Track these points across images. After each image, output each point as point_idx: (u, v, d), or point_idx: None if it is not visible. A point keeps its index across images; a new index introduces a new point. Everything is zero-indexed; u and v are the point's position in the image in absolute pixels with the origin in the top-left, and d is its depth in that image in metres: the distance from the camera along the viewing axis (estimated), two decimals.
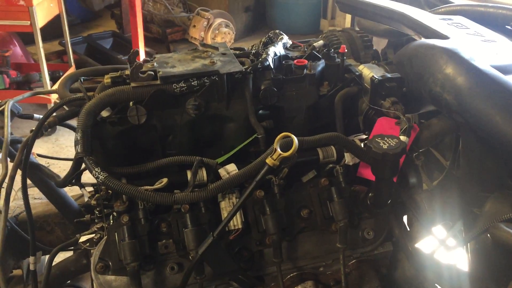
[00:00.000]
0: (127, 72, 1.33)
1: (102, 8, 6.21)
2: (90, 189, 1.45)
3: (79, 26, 6.91)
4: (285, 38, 1.61)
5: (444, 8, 1.91)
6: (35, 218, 2.25)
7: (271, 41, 1.67)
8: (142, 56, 5.00)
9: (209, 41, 5.60)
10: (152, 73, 1.30)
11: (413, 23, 1.63)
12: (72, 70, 4.79)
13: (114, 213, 1.30)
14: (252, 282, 1.23)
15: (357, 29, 2.03)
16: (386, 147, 1.15)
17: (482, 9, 1.77)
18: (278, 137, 1.10)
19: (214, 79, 1.30)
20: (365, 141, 1.31)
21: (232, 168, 1.23)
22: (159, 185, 1.18)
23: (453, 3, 1.99)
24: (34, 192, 2.68)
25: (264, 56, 1.40)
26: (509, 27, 1.72)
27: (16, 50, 5.07)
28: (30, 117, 1.92)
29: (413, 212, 1.41)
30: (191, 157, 1.23)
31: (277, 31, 1.70)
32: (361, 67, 1.47)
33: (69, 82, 1.50)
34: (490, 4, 1.75)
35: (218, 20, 5.58)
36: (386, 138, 1.18)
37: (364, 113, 1.43)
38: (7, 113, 1.42)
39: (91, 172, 1.17)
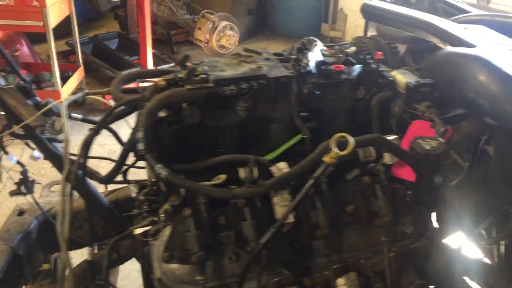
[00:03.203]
0: (180, 75, 1.42)
1: (99, 9, 6.26)
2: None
3: (82, 27, 6.95)
4: (320, 44, 1.70)
5: (464, 18, 2.02)
6: None
7: (305, 47, 1.76)
8: (150, 58, 5.07)
9: (214, 43, 5.69)
10: (205, 76, 1.39)
11: (440, 32, 1.73)
12: (81, 70, 4.85)
13: (166, 207, 1.38)
14: (302, 272, 1.32)
15: (369, 34, 2.13)
16: (428, 147, 1.24)
17: (502, 19, 1.87)
18: (334, 137, 1.19)
19: (262, 83, 1.39)
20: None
21: (283, 165, 1.32)
22: (218, 181, 1.27)
23: (471, 12, 2.09)
24: (55, 189, 2.74)
25: (305, 61, 1.49)
26: None
27: (24, 50, 5.12)
28: (68, 116, 2.00)
29: (443, 209, 1.51)
30: (245, 155, 1.32)
31: (310, 37, 1.78)
32: (394, 72, 1.57)
33: (120, 84, 1.58)
34: (510, 15, 1.86)
35: (223, 23, 5.66)
36: (426, 140, 1.28)
37: (398, 116, 1.52)
38: (63, 112, 1.50)
39: (153, 168, 1.25)
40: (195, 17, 5.95)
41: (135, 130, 1.32)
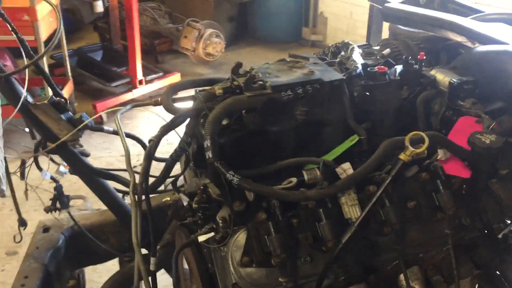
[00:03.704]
0: (236, 82, 1.44)
1: (83, 21, 6.20)
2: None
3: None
4: (356, 47, 1.76)
5: (480, 17, 2.10)
6: (90, 228, 2.30)
7: (339, 51, 1.81)
8: (139, 68, 5.05)
9: (200, 51, 5.70)
10: (262, 83, 1.42)
11: (467, 31, 1.80)
12: (70, 83, 4.79)
13: (223, 214, 1.40)
14: (369, 268, 1.36)
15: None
16: (488, 142, 1.30)
17: None
18: (409, 135, 1.24)
19: (317, 87, 1.43)
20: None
21: (347, 166, 1.35)
22: (289, 185, 1.30)
23: (484, 12, 2.18)
24: (76, 204, 2.72)
25: (353, 64, 1.54)
26: None
27: (9, 65, 5.01)
28: (101, 129, 1.99)
29: (488, 200, 1.57)
30: (311, 158, 1.36)
31: (345, 41, 1.83)
32: (433, 72, 1.63)
33: (171, 94, 1.59)
34: None
35: (209, 31, 5.69)
36: (484, 135, 1.34)
37: (442, 113, 1.58)
38: (118, 124, 1.50)
39: (224, 175, 1.27)
40: (179, 26, 5.95)
41: (201, 139, 1.34)
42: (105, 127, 1.96)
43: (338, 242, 1.25)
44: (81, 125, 1.80)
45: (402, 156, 1.23)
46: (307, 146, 1.49)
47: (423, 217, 1.41)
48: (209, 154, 1.29)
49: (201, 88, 1.51)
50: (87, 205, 2.64)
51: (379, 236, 1.37)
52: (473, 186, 1.41)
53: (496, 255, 1.56)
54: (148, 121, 5.04)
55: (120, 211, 2.21)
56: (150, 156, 1.44)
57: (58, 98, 1.90)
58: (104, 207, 2.28)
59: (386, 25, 3.46)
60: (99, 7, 5.29)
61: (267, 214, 1.28)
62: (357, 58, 1.63)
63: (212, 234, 1.43)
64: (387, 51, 1.77)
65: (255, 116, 1.40)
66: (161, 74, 5.37)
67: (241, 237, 1.33)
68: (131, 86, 5.02)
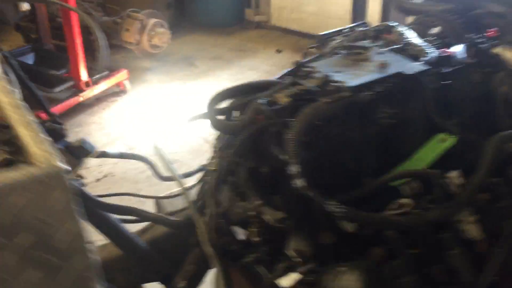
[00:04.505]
0: (303, 87, 1.17)
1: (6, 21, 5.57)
2: None
3: None
4: (405, 28, 1.52)
5: None
6: None
7: (381, 32, 1.57)
8: (83, 69, 4.57)
9: (145, 43, 5.26)
10: (336, 84, 1.16)
11: None
12: None
13: (301, 247, 1.15)
14: None
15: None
16: None
17: None
18: None
19: (399, 82, 1.19)
20: None
21: (456, 174, 1.13)
22: (402, 210, 1.05)
23: None
24: None
25: (421, 50, 1.32)
26: None
27: None
28: (106, 155, 1.64)
29: None
30: (414, 170, 1.12)
31: (387, 23, 1.59)
32: (498, 50, 1.44)
33: (215, 106, 1.28)
34: None
35: (152, 21, 5.25)
36: None
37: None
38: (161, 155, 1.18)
39: (321, 206, 1.01)
40: (116, 18, 5.46)
41: (274, 160, 1.08)
42: (110, 152, 1.62)
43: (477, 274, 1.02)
44: (86, 156, 1.46)
45: None
46: (388, 154, 1.25)
47: None
48: (299, 182, 1.02)
49: (260, 97, 1.22)
50: None
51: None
52: None
53: None
54: (99, 127, 4.60)
55: (125, 243, 1.88)
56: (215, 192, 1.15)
57: (48, 123, 1.54)
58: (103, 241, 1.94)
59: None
60: (26, 5, 4.71)
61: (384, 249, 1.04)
62: (418, 41, 1.40)
63: (297, 275, 1.17)
64: (435, 30, 1.55)
65: (335, 126, 1.14)
66: (106, 73, 4.89)
67: (348, 280, 1.07)
68: (77, 89, 4.52)
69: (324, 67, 1.25)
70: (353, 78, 1.18)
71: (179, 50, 5.97)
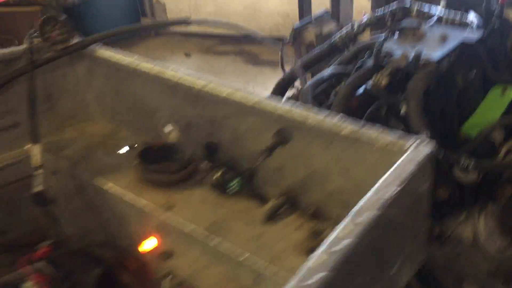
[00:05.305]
0: (392, 66, 1.32)
1: None
2: None
3: None
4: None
5: None
6: None
7: (400, 14, 1.75)
8: None
9: None
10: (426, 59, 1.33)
11: None
12: None
13: None
14: None
15: None
16: None
17: None
18: None
19: (468, 49, 1.39)
20: None
21: None
22: None
23: None
24: None
25: (466, 20, 1.52)
26: None
27: None
28: None
29: None
30: None
31: (400, 5, 1.77)
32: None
33: (311, 91, 1.37)
34: None
35: None
36: None
37: None
38: None
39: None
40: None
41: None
42: None
43: None
44: None
45: None
46: (463, 109, 1.45)
47: None
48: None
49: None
50: None
51: None
52: None
53: None
54: None
55: None
56: None
57: None
58: None
59: None
60: None
61: None
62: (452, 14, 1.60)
63: None
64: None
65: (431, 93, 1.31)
66: None
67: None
68: None
69: (397, 47, 1.40)
70: (431, 51, 1.35)
71: None
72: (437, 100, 1.34)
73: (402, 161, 0.72)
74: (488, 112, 1.45)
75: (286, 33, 5.82)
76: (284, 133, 0.89)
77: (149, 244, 1.06)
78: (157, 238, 1.04)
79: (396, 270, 0.74)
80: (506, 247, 1.26)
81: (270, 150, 0.87)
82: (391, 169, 0.72)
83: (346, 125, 0.81)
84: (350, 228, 0.62)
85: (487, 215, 1.26)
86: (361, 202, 0.67)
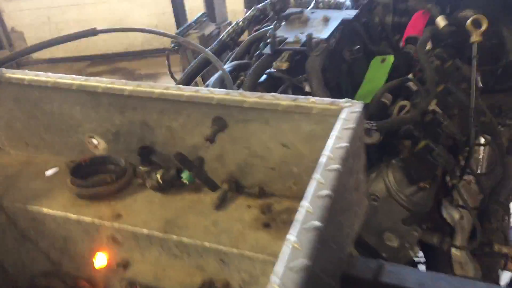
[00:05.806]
0: (292, 49, 1.45)
1: None
2: None
3: None
4: None
5: None
6: None
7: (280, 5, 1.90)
8: None
9: None
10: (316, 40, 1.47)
11: None
12: None
13: None
14: None
15: None
16: None
17: None
18: (470, 20, 1.51)
19: (350, 26, 1.58)
20: None
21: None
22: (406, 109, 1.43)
23: None
24: None
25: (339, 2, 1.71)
26: None
27: None
28: None
29: None
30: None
31: None
32: None
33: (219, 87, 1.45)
34: None
35: None
36: None
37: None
38: None
39: None
40: None
41: None
42: None
43: None
44: None
45: (474, 39, 1.49)
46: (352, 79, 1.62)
47: None
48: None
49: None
50: None
51: None
52: None
53: None
54: None
55: None
56: None
57: None
58: None
59: None
60: None
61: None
62: None
63: None
64: None
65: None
66: None
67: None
68: None
69: (287, 33, 1.53)
70: (319, 33, 1.50)
71: None
72: (331, 74, 1.49)
73: (345, 119, 0.82)
74: (374, 80, 1.64)
75: (159, 45, 5.86)
76: (222, 119, 0.95)
77: (102, 259, 1.05)
78: (110, 251, 1.04)
79: (352, 221, 0.83)
80: (413, 193, 1.45)
81: (212, 137, 0.92)
82: (338, 126, 0.80)
83: (281, 101, 0.90)
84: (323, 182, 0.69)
85: (394, 169, 1.44)
86: (322, 159, 0.74)
